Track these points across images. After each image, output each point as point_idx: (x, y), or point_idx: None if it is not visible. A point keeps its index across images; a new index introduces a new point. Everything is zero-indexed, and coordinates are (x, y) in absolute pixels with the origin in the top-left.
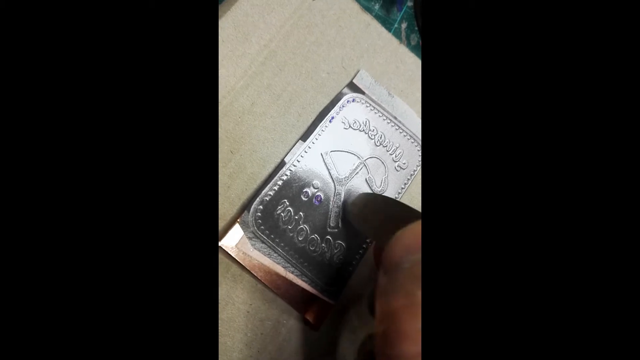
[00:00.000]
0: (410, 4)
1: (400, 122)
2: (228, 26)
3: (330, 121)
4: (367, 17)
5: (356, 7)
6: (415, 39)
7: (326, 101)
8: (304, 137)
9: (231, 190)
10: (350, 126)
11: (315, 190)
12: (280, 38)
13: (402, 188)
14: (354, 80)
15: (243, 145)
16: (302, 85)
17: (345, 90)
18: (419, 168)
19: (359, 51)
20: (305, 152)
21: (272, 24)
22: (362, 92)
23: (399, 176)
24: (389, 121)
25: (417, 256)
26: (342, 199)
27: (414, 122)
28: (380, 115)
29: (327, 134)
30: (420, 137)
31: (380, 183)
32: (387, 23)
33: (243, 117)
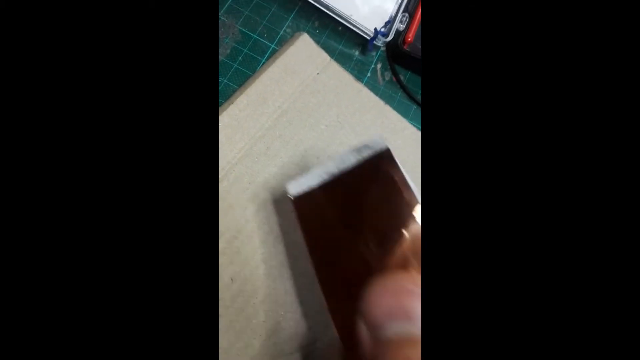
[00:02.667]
0: (383, 49)
1: None
2: (253, 93)
3: None
4: (359, 85)
5: (351, 78)
6: (388, 75)
7: (324, 146)
8: None
9: (247, 211)
10: None
11: None
12: (291, 101)
13: None
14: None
15: (257, 178)
16: (305, 135)
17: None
18: None
19: (352, 110)
20: None
21: (285, 91)
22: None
23: None
24: None
25: (403, 327)
26: None
27: None
28: None
29: None
30: None
31: None
32: (365, 64)
33: (259, 158)
